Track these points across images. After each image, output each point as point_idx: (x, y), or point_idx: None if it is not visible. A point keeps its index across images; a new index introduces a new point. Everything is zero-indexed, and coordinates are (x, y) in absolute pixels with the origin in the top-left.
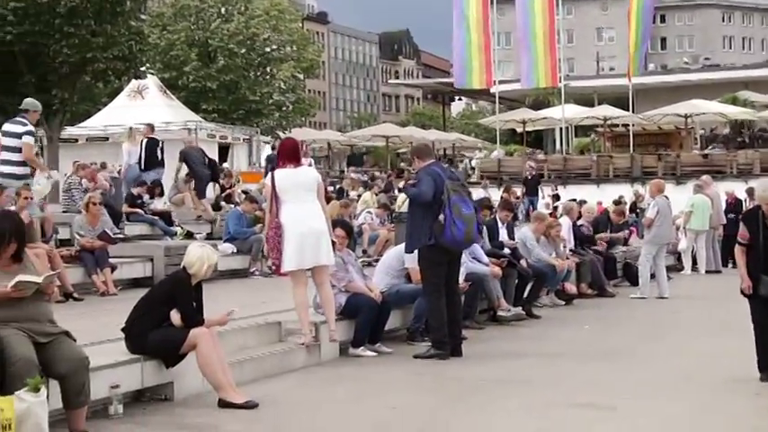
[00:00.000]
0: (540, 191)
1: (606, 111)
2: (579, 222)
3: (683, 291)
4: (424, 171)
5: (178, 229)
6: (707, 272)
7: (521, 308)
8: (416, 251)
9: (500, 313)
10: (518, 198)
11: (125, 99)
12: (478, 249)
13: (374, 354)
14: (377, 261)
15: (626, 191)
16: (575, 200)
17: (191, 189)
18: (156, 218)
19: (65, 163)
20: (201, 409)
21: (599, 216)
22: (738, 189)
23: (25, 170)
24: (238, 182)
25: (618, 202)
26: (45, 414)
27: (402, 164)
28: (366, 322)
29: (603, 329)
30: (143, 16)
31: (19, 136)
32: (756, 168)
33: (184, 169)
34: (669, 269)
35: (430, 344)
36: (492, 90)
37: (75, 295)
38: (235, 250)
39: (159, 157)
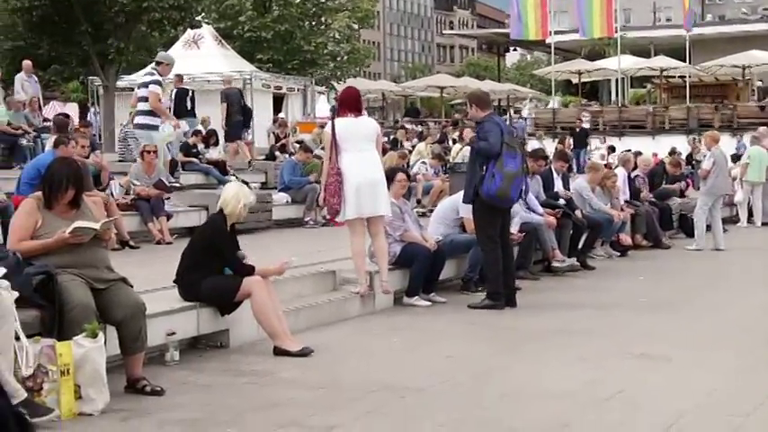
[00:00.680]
0: (588, 143)
1: (662, 62)
2: (635, 174)
3: (739, 243)
4: (491, 122)
5: (233, 178)
6: (763, 224)
7: (575, 259)
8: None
9: (555, 264)
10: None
11: (180, 48)
12: (533, 200)
13: (428, 303)
14: (431, 212)
15: (681, 142)
16: (629, 150)
17: (246, 137)
18: (211, 167)
19: (121, 112)
20: (257, 356)
21: (655, 167)
22: None
23: (155, 120)
24: (295, 132)
25: (673, 153)
26: (102, 360)
27: (456, 114)
28: (420, 272)
29: (659, 281)
30: None
31: (146, 85)
32: None
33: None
34: (725, 221)
35: (484, 294)
36: (547, 41)
37: (132, 243)
38: (289, 200)
39: (189, 106)
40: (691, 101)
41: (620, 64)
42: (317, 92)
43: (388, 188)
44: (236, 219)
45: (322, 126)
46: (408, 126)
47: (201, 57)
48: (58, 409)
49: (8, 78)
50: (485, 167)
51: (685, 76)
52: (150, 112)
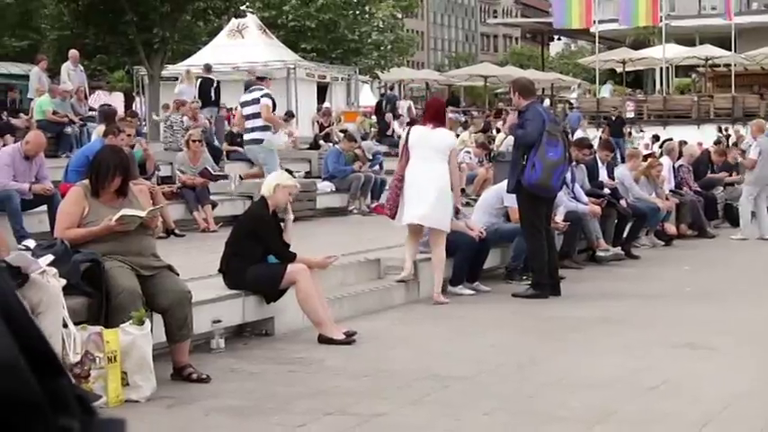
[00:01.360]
0: (624, 132)
1: (707, 50)
2: (679, 163)
3: None
4: (533, 112)
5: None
6: None
7: (620, 248)
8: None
9: (599, 253)
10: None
11: (225, 38)
12: (578, 189)
13: (472, 292)
14: (474, 200)
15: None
16: (670, 139)
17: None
18: None
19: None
20: (301, 344)
21: (700, 157)
22: None
23: (265, 135)
24: (339, 121)
25: (718, 143)
26: (149, 347)
27: (500, 104)
28: (465, 260)
29: (704, 270)
30: None
31: (257, 100)
32: None
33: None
34: None
35: (528, 283)
36: (591, 29)
37: (177, 231)
38: (334, 188)
39: (213, 97)
40: (736, 90)
41: (665, 53)
42: (361, 81)
43: None
44: (277, 205)
45: (365, 115)
46: (451, 115)
47: (246, 46)
48: (105, 395)
49: (54, 68)
50: (525, 157)
51: (730, 65)
52: (264, 127)
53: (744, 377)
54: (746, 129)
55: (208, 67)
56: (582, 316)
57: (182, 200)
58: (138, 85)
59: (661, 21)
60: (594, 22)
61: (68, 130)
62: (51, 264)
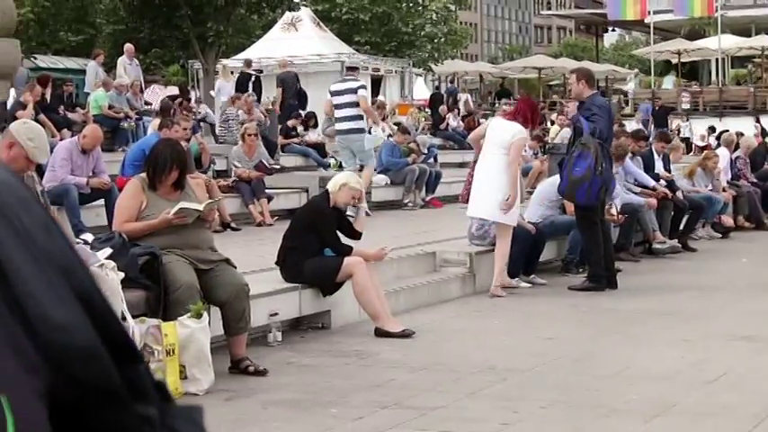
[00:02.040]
0: (668, 122)
1: (764, 41)
2: (736, 155)
3: None
4: (600, 105)
5: (332, 161)
6: None
7: (676, 240)
8: None
9: (655, 245)
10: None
11: (279, 31)
12: (642, 175)
13: (529, 285)
14: (529, 193)
15: None
16: (727, 131)
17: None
18: (310, 149)
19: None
20: (358, 337)
21: (757, 148)
22: None
23: (361, 124)
24: (393, 114)
25: None
26: (207, 340)
27: (554, 96)
28: (521, 253)
29: (761, 263)
30: None
31: (353, 91)
32: None
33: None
34: None
35: (585, 275)
36: (646, 20)
37: (233, 225)
38: (389, 181)
39: (250, 90)
40: None
41: (721, 44)
42: (415, 74)
43: None
44: (338, 203)
45: (419, 108)
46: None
47: (300, 39)
48: None
49: (110, 62)
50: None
51: None
52: (357, 117)
53: None
54: None
55: (248, 63)
56: (639, 308)
57: (237, 194)
58: (192, 78)
59: (716, 11)
60: (649, 12)
61: (124, 124)
62: (109, 257)
